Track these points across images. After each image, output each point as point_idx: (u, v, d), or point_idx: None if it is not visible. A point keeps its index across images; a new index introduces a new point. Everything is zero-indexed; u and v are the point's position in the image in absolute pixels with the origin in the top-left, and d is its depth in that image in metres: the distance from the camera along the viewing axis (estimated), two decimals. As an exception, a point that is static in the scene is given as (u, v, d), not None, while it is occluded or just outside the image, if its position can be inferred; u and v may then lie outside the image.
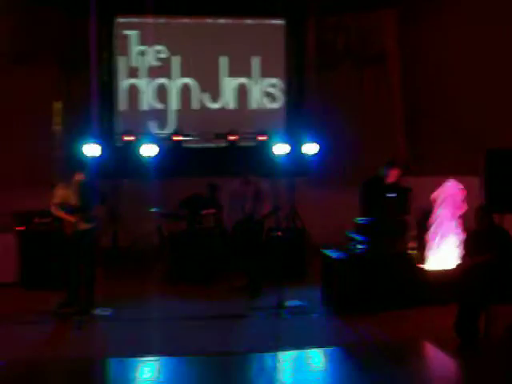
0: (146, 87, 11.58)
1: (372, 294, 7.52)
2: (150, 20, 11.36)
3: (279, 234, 8.74)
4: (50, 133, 10.86)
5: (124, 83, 11.54)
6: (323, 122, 11.59)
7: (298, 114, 11.85)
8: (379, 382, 5.56)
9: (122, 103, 11.55)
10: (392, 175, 8.11)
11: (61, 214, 7.65)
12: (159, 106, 11.61)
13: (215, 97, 11.73)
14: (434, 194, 8.32)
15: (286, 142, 9.37)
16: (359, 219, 8.03)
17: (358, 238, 7.91)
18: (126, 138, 10.35)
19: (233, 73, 11.78)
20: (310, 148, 10.37)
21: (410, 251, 7.90)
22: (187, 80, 11.66)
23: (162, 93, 11.60)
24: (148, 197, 9.78)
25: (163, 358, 6.11)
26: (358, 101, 11.61)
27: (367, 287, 7.53)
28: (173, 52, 11.60)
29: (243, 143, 10.86)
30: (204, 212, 9.54)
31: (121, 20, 11.49)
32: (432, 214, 8.33)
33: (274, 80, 11.90)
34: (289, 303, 7.65)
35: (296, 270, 9.25)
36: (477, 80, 10.31)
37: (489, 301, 6.35)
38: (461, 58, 10.53)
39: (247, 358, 6.17)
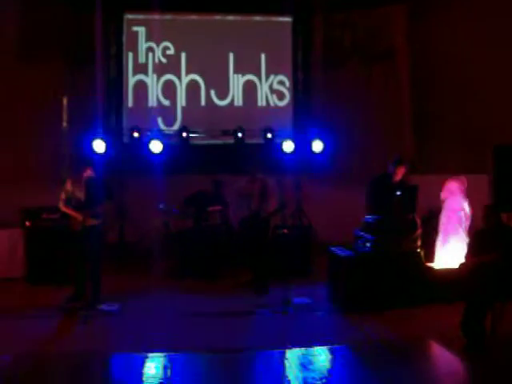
0: (154, 84, 11.58)
1: (378, 292, 7.50)
2: (157, 16, 11.37)
3: (285, 231, 8.74)
4: (57, 129, 10.88)
5: (132, 79, 11.54)
6: (330, 119, 11.57)
7: (305, 112, 11.83)
8: (384, 381, 5.55)
9: (130, 100, 11.56)
10: (399, 173, 8.08)
11: (68, 210, 7.69)
12: (166, 102, 11.61)
13: (223, 94, 11.72)
14: (442, 193, 8.30)
15: (292, 140, 9.38)
16: (366, 217, 8.01)
17: (365, 236, 7.89)
18: (133, 135, 10.38)
19: (240, 70, 11.77)
20: (317, 146, 10.37)
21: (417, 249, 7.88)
22: (195, 77, 11.66)
23: (169, 89, 11.60)
24: (155, 193, 9.79)
25: (168, 354, 6.12)
26: (365, 98, 11.58)
27: (373, 285, 7.51)
28: (181, 49, 11.60)
29: (250, 140, 10.86)
30: (210, 209, 9.54)
31: (129, 16, 11.50)
32: (438, 212, 8.31)
33: (281, 77, 11.88)
34: (295, 300, 7.66)
35: (302, 267, 9.25)
36: (486, 76, 10.27)
37: (495, 300, 6.33)
38: (470, 54, 10.49)
39: (253, 355, 6.17)
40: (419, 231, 7.90)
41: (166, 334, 6.71)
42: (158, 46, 11.54)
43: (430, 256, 8.15)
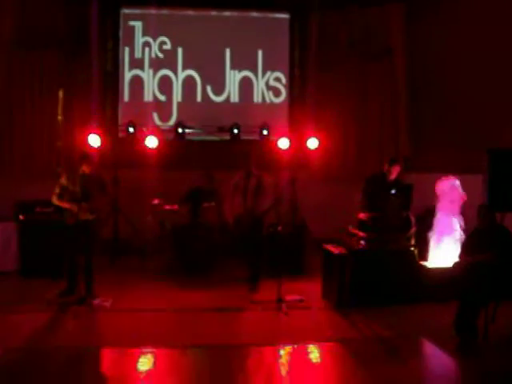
0: (150, 78, 11.55)
1: (372, 289, 7.52)
2: (154, 11, 11.34)
3: (280, 228, 8.73)
4: (52, 122, 10.85)
5: (128, 74, 11.51)
6: (326, 117, 11.57)
7: (301, 109, 11.82)
8: (376, 378, 5.57)
9: (126, 94, 11.52)
10: (394, 172, 8.10)
11: (61, 203, 7.67)
12: (162, 97, 11.58)
13: (219, 89, 11.70)
14: (437, 191, 8.33)
15: (288, 137, 9.37)
16: (361, 215, 8.02)
17: (359, 233, 7.91)
18: (128, 130, 10.36)
19: (237, 66, 11.74)
20: (312, 143, 10.37)
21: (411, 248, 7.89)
22: (191, 72, 11.63)
23: (165, 84, 11.57)
24: (150, 188, 9.77)
25: (160, 350, 6.12)
26: (361, 96, 11.57)
27: (367, 283, 7.53)
28: (177, 44, 11.56)
29: (246, 137, 10.85)
30: (205, 205, 9.53)
31: (126, 11, 11.46)
32: (432, 211, 8.34)
33: (278, 74, 11.87)
34: (288, 297, 7.65)
35: (296, 264, 9.25)
36: (482, 76, 10.28)
37: (489, 299, 6.35)
38: (466, 53, 10.49)
39: (245, 351, 6.17)
40: (413, 230, 7.92)
41: (159, 330, 6.72)
42: (154, 40, 11.51)
43: (424, 254, 8.17)
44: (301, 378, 5.57)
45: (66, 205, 7.63)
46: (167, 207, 9.78)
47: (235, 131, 10.66)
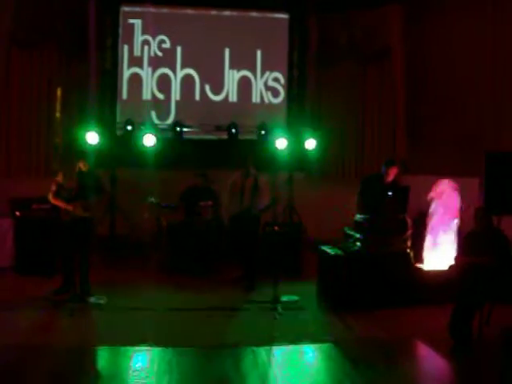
0: (149, 77, 11.54)
1: (367, 291, 7.52)
2: (154, 10, 11.33)
3: (276, 228, 8.74)
4: (50, 119, 10.83)
5: (126, 72, 11.50)
6: (324, 117, 11.58)
7: (299, 109, 11.83)
8: (370, 379, 5.57)
9: (124, 92, 11.51)
10: (391, 174, 8.11)
11: (57, 201, 7.66)
12: (161, 96, 11.57)
13: (217, 89, 11.70)
14: (430, 194, 8.33)
15: (286, 137, 9.37)
16: (357, 216, 8.02)
17: (356, 235, 7.90)
18: (126, 128, 10.35)
19: (236, 65, 11.74)
20: (310, 143, 10.37)
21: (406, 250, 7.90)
22: (190, 71, 11.62)
23: (164, 83, 11.56)
24: (147, 187, 9.76)
25: (155, 348, 6.11)
26: (359, 97, 11.59)
27: (362, 285, 7.53)
28: (176, 42, 11.55)
29: (244, 136, 10.85)
30: (202, 204, 9.52)
31: (125, 9, 11.44)
32: (428, 214, 8.34)
33: (276, 74, 11.87)
34: (284, 298, 7.65)
35: (292, 264, 9.25)
36: (480, 79, 10.28)
37: (484, 302, 6.36)
38: (464, 56, 10.48)
39: (240, 352, 6.17)
40: (409, 232, 7.92)
41: (154, 329, 6.71)
42: (153, 39, 11.49)
43: (420, 257, 8.17)
44: (295, 378, 5.57)
45: (61, 204, 7.61)
46: (164, 205, 9.77)
47: (233, 131, 10.66)
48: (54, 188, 7.67)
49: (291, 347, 6.31)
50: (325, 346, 6.39)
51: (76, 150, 8.17)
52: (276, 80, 11.89)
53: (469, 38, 10.42)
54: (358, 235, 7.86)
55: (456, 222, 8.21)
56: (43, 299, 7.48)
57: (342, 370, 5.76)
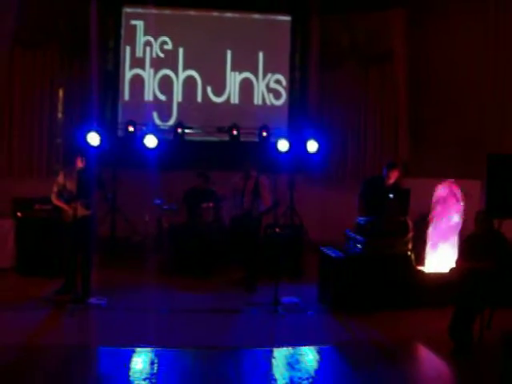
0: (151, 78, 11.55)
1: (368, 293, 7.51)
2: (156, 11, 11.35)
3: (277, 230, 8.74)
4: (52, 120, 10.84)
5: (128, 73, 11.51)
6: (326, 120, 11.58)
7: (300, 112, 11.83)
8: (371, 382, 5.57)
9: (126, 93, 11.52)
10: (392, 177, 8.10)
11: (59, 203, 7.66)
12: (163, 97, 11.58)
13: (219, 91, 11.71)
14: (435, 195, 8.32)
15: (287, 139, 9.36)
16: (358, 218, 8.02)
17: (356, 237, 7.90)
18: (128, 129, 10.36)
19: (237, 67, 11.75)
20: (312, 146, 10.36)
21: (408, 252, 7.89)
22: (192, 72, 11.64)
23: (166, 84, 11.57)
24: (148, 188, 9.77)
25: (156, 349, 6.11)
26: (361, 100, 11.59)
27: (363, 287, 7.53)
28: (178, 44, 11.57)
29: (245, 138, 10.86)
30: (204, 205, 9.52)
31: (128, 10, 11.46)
32: (429, 216, 8.33)
33: (278, 76, 11.88)
34: (284, 300, 7.65)
35: (293, 266, 9.24)
36: (482, 82, 10.29)
37: (484, 305, 6.35)
38: (466, 59, 10.49)
39: (240, 353, 6.17)
40: (411, 234, 7.92)
41: (154, 330, 6.71)
42: (155, 40, 11.52)
43: (421, 259, 8.17)
44: (296, 381, 5.56)
45: (62, 205, 7.62)
46: (165, 207, 9.78)
47: (234, 132, 10.67)
48: (55, 189, 7.68)
49: (292, 349, 6.30)
50: (325, 348, 6.38)
51: (75, 150, 8.13)
52: (278, 82, 11.90)
53: (471, 40, 10.43)
54: (358, 237, 7.86)
55: (458, 224, 8.20)
56: (44, 300, 7.49)
57: (343, 373, 5.75)
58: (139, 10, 11.51)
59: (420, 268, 8.01)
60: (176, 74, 11.61)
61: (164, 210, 9.86)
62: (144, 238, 10.34)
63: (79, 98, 10.91)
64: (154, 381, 5.44)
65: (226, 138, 10.83)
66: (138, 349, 6.09)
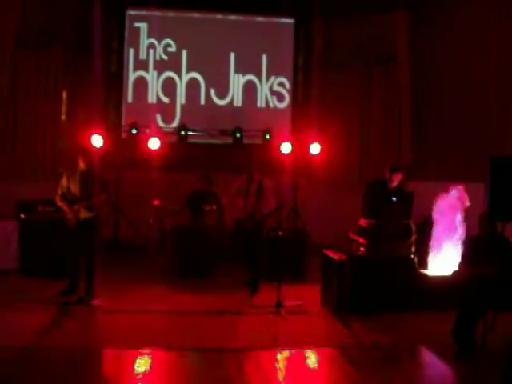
0: (154, 80, 11.57)
1: (371, 296, 7.51)
2: (160, 13, 11.38)
3: (280, 233, 8.74)
4: (55, 122, 10.86)
5: (132, 75, 11.54)
6: (329, 122, 11.58)
7: (304, 114, 11.84)
8: (374, 385, 5.57)
9: (129, 95, 11.55)
10: (395, 180, 8.09)
11: (63, 205, 7.67)
12: (166, 99, 11.61)
13: (222, 93, 11.73)
14: (439, 201, 8.31)
15: (290, 142, 9.39)
16: (361, 221, 8.01)
17: (359, 240, 7.89)
18: (131, 131, 10.38)
19: (241, 70, 11.78)
20: (315, 148, 10.38)
21: (411, 255, 7.88)
22: (195, 75, 11.66)
23: (169, 87, 11.61)
24: (151, 190, 9.78)
25: (158, 351, 6.11)
26: (365, 102, 11.59)
27: (366, 290, 7.52)
28: (182, 46, 11.61)
29: (248, 141, 10.87)
30: (207, 208, 9.53)
31: (131, 12, 11.50)
32: (433, 219, 8.32)
33: (281, 79, 11.89)
34: (287, 302, 7.65)
35: (296, 269, 9.25)
36: (485, 84, 10.27)
37: (488, 309, 6.34)
38: (470, 61, 10.48)
39: (243, 355, 6.16)
40: (414, 237, 7.91)
41: (157, 332, 6.71)
42: (159, 42, 11.55)
43: (424, 262, 8.16)
44: (298, 383, 5.56)
45: (65, 208, 7.62)
46: (168, 209, 9.79)
47: (238, 135, 10.68)
48: (59, 191, 7.69)
49: (294, 351, 6.30)
50: (328, 350, 6.37)
51: (79, 152, 8.14)
52: (281, 85, 11.92)
53: (474, 43, 10.43)
54: (362, 240, 7.85)
55: (461, 227, 8.19)
56: (47, 301, 7.49)
57: (346, 376, 5.75)
58: (143, 13, 11.55)
59: (423, 271, 8.01)
60: (179, 76, 11.64)
61: (167, 212, 9.86)
62: (147, 240, 10.35)
63: (83, 100, 10.93)
64: (156, 383, 5.43)
65: (230, 140, 10.85)
66: (141, 350, 6.09)
